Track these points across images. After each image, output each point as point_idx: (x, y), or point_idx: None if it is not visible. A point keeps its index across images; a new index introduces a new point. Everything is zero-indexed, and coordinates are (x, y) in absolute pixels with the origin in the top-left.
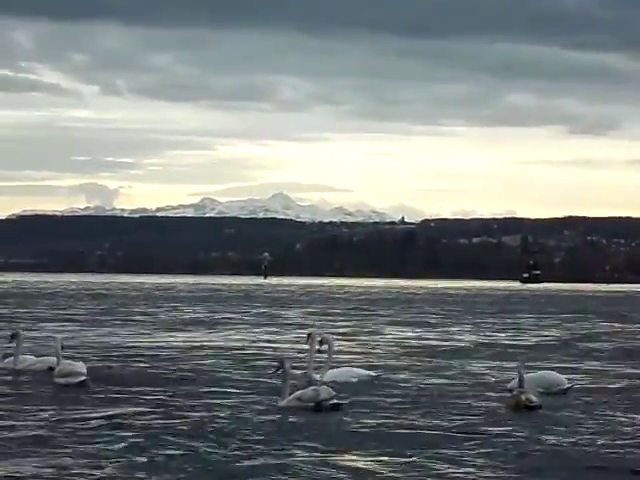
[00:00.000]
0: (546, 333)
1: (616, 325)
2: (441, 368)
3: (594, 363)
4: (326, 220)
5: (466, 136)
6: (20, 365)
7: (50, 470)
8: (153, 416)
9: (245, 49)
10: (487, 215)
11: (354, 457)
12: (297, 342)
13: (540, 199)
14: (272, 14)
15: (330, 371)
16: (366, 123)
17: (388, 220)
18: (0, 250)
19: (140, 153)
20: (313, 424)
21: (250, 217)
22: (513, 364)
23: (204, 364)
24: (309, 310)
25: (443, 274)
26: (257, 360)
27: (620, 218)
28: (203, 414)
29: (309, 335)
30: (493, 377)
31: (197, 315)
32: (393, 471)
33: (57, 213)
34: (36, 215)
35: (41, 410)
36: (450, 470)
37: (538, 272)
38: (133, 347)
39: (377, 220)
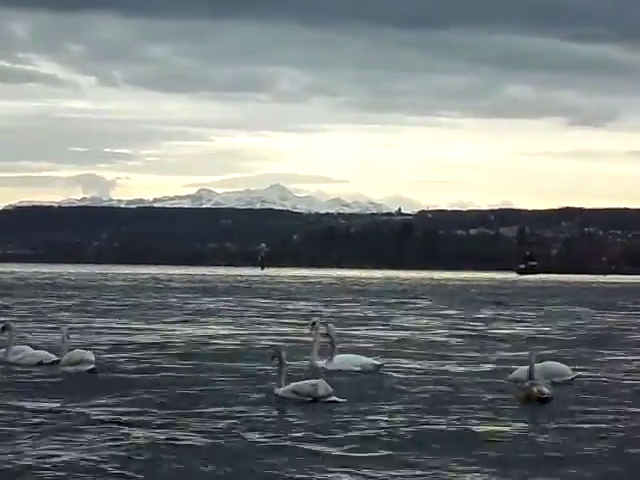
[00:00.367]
0: (547, 323)
1: (615, 316)
2: (446, 358)
3: (598, 353)
4: (323, 211)
5: (464, 127)
6: (12, 357)
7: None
8: (153, 409)
9: (244, 40)
10: (484, 206)
11: (353, 458)
12: (299, 332)
13: (537, 190)
14: (271, 5)
15: (336, 357)
16: (364, 114)
17: (385, 211)
18: None
19: (137, 144)
20: (309, 418)
21: (247, 208)
22: (518, 353)
23: (208, 354)
24: (311, 301)
25: (440, 265)
26: (257, 350)
27: (617, 209)
28: (205, 405)
29: (313, 324)
30: (500, 368)
31: (203, 306)
32: (400, 476)
33: (54, 204)
34: (33, 206)
35: (43, 401)
36: (462, 471)
37: (534, 263)
38: (136, 337)
39: (374, 211)
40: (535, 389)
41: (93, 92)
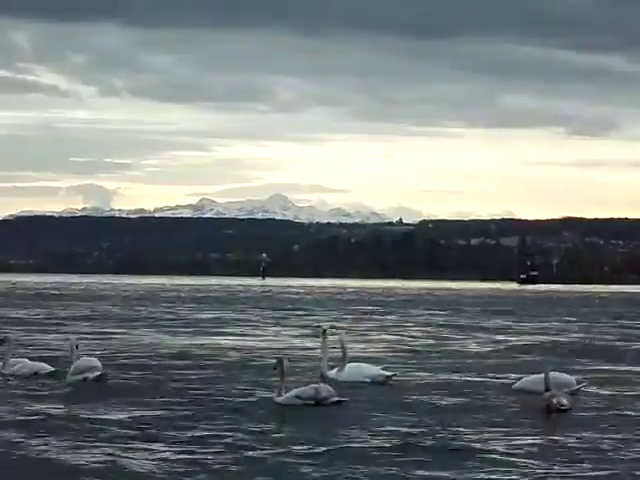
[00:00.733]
0: (549, 333)
1: (618, 327)
2: (458, 368)
3: (603, 364)
4: (324, 221)
5: (464, 137)
6: (9, 370)
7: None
8: (157, 415)
9: (244, 50)
10: (485, 216)
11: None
12: (307, 341)
13: (538, 200)
14: (271, 15)
15: (346, 366)
16: (364, 124)
17: (386, 221)
18: None
19: (138, 154)
20: (312, 423)
21: (248, 218)
22: (529, 358)
23: (214, 364)
24: (317, 310)
25: (441, 275)
26: (264, 359)
27: (619, 219)
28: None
29: (323, 332)
30: (511, 379)
31: (207, 315)
32: None
33: (55, 214)
34: (34, 216)
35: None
36: None
37: (535, 273)
38: (142, 348)
39: (376, 221)
40: (555, 400)
41: (94, 102)
